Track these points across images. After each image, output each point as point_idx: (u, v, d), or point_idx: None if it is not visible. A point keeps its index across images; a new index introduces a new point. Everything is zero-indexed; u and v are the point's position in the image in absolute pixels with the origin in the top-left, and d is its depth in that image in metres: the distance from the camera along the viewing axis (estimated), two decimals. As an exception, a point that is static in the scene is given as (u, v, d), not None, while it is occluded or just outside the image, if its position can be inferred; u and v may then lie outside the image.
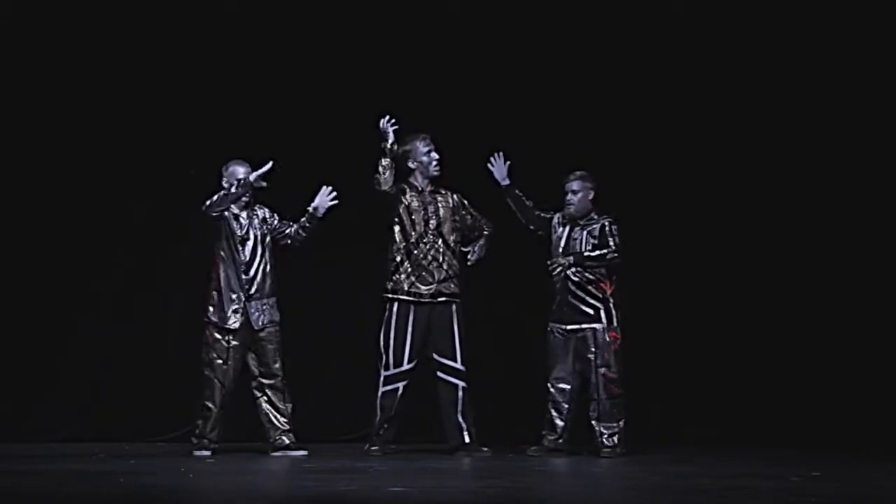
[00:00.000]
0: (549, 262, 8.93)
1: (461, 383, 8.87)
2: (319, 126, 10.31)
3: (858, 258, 10.28)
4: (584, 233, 8.90)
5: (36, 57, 10.15)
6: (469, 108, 10.24)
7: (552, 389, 8.84)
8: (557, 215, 9.03)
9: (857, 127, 10.31)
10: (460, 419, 8.85)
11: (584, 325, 8.79)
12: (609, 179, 9.48)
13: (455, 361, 8.89)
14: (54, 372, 10.11)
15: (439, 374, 8.90)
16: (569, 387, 8.82)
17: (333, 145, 10.20)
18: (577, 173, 8.97)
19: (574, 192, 8.93)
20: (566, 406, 8.84)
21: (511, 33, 10.36)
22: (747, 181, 10.42)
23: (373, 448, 8.83)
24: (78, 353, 10.14)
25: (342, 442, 9.86)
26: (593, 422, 8.75)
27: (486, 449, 8.80)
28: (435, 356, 8.90)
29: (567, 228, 8.95)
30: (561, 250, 8.90)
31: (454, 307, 8.95)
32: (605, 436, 8.72)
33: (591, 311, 8.79)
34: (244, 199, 8.86)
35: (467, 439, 8.84)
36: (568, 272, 8.82)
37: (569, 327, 8.81)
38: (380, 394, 8.88)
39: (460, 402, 8.86)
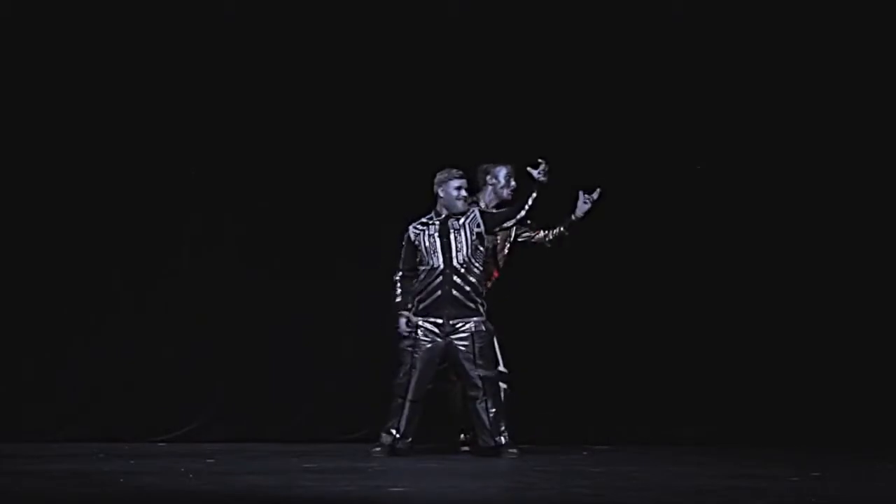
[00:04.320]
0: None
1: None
2: (318, 127, 10.31)
3: (858, 256, 10.29)
4: (465, 229, 8.76)
5: (42, 59, 10.15)
6: (468, 109, 10.23)
7: None
8: (412, 227, 8.86)
9: (855, 125, 10.32)
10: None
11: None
12: (608, 177, 9.48)
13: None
14: (54, 372, 10.10)
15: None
16: None
17: (331, 147, 10.22)
18: (456, 170, 8.85)
19: (466, 188, 8.85)
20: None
21: (510, 35, 10.36)
22: (746, 176, 10.42)
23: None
24: (78, 353, 10.14)
25: (342, 442, 9.87)
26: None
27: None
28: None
29: (438, 228, 8.79)
30: (441, 251, 8.72)
31: None
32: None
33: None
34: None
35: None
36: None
37: None
38: None
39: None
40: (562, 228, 9.24)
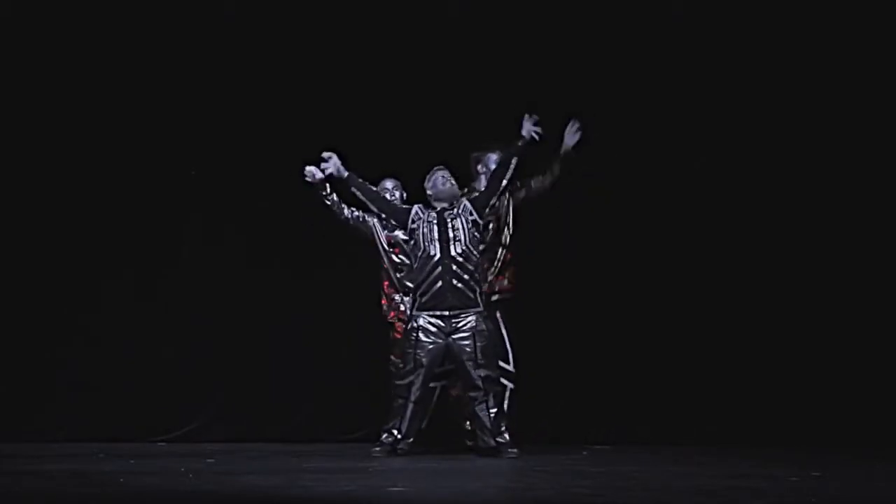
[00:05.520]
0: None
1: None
2: (318, 127, 10.31)
3: (858, 257, 10.28)
4: (461, 219, 8.82)
5: (42, 61, 10.16)
6: (468, 109, 10.23)
7: None
8: (417, 206, 8.97)
9: (855, 124, 10.31)
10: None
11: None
12: (609, 176, 9.51)
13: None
14: (54, 372, 10.11)
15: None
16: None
17: (331, 147, 10.21)
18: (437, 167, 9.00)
19: (449, 177, 8.93)
20: None
21: (510, 35, 10.36)
22: (745, 176, 10.39)
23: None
24: (78, 353, 10.14)
25: (342, 442, 9.87)
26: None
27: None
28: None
29: (435, 217, 8.84)
30: (439, 240, 8.75)
31: None
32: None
33: None
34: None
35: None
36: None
37: None
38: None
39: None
40: (554, 166, 9.21)
